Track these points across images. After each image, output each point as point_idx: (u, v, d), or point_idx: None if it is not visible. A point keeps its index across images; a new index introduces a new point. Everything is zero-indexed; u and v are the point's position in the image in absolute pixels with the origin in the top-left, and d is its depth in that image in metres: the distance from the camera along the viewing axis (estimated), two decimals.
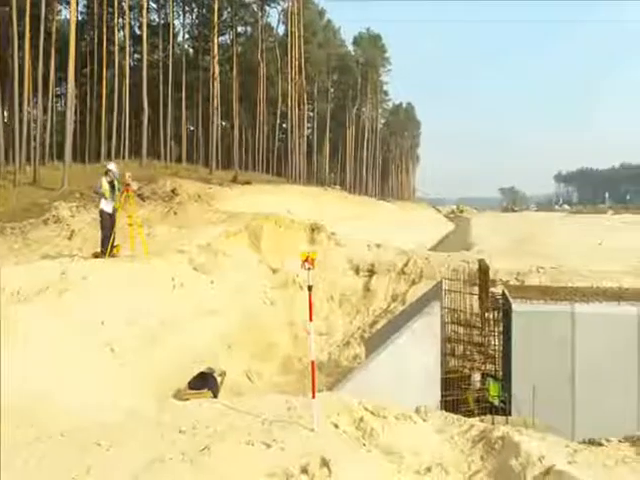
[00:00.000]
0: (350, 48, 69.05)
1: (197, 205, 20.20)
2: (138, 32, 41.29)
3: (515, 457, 3.94)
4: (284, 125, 54.24)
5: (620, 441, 4.59)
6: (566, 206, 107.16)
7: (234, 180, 30.50)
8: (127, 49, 37.33)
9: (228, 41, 49.53)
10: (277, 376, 10.62)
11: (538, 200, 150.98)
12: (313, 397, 4.42)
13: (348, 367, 10.73)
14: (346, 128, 65.91)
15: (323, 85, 61.49)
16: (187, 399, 6.64)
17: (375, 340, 9.83)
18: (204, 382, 8.18)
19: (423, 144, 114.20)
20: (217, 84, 37.73)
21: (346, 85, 65.97)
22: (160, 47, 42.17)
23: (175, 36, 45.35)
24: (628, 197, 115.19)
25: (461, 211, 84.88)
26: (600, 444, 4.53)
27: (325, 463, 3.70)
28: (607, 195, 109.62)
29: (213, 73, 37.21)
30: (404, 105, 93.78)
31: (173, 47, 42.22)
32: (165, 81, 39.41)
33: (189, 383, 8.19)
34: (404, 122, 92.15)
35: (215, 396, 7.80)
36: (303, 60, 50.91)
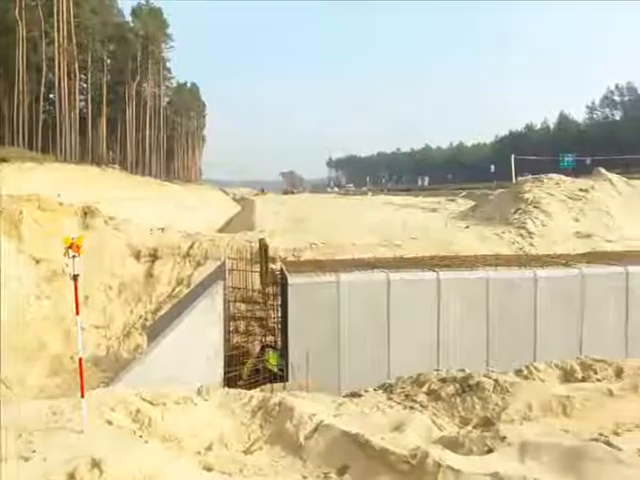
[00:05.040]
0: (129, 19, 64.08)
1: None
2: None
3: (290, 420, 4.22)
4: (51, 95, 47.60)
5: (375, 390, 5.32)
6: (336, 188, 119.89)
7: None
8: None
9: None
10: (45, 379, 9.43)
11: (314, 183, 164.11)
12: (82, 396, 4.04)
13: (128, 359, 10.13)
14: (126, 103, 61.03)
15: (98, 55, 55.60)
16: None
17: (158, 327, 9.48)
18: None
19: (209, 126, 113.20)
20: None
21: (125, 57, 60.90)
22: None
23: None
24: (383, 181, 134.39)
25: (265, 193, 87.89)
26: (360, 395, 5.17)
27: (96, 464, 3.42)
28: (368, 179, 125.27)
29: None
30: (189, 85, 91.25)
31: None
32: None
33: None
34: (189, 102, 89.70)
35: None
36: (73, 25, 45.16)
